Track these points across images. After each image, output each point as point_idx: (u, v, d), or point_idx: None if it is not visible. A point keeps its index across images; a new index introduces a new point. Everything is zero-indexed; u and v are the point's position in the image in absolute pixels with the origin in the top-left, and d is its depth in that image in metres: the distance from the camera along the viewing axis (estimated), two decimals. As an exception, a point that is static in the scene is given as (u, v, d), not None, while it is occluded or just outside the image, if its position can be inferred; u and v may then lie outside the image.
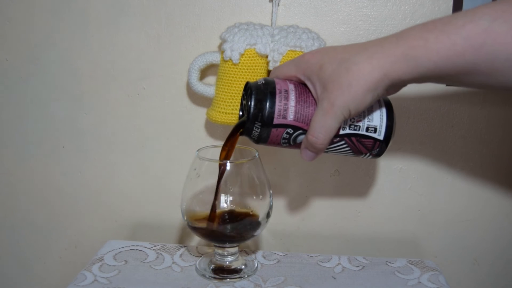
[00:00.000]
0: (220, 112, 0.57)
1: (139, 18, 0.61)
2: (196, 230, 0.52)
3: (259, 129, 0.44)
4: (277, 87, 0.44)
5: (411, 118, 0.62)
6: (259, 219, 0.52)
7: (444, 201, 0.65)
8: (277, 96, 0.43)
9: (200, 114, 0.64)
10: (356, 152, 0.47)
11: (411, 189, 0.65)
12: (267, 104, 0.43)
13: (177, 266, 0.56)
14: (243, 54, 0.54)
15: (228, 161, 0.50)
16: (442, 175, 0.64)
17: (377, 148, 0.46)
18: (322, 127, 0.41)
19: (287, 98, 0.43)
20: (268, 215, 0.53)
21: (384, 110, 0.45)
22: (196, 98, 0.63)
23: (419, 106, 0.62)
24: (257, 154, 0.52)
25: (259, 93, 0.43)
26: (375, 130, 0.45)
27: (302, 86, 0.44)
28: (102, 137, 0.66)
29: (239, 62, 0.54)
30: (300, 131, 0.44)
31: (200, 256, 0.58)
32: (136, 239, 0.68)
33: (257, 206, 0.52)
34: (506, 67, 0.35)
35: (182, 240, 0.69)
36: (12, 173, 0.69)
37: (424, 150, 0.63)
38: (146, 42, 0.62)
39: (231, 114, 0.56)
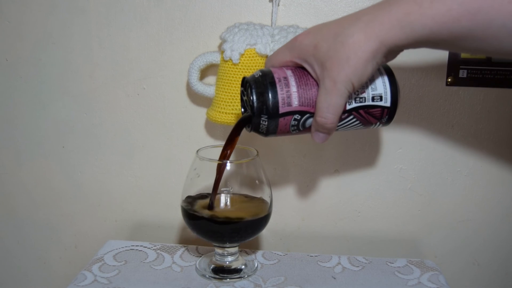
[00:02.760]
0: (220, 112, 0.57)
1: (139, 18, 0.61)
2: (195, 220, 0.52)
3: (266, 122, 0.43)
4: (275, 76, 0.43)
5: (411, 118, 0.62)
6: (259, 219, 0.52)
7: (444, 201, 0.65)
8: (277, 85, 0.43)
9: (200, 114, 0.64)
10: (366, 123, 0.46)
11: (411, 189, 0.65)
12: (269, 95, 0.42)
13: (177, 266, 0.56)
14: (243, 54, 0.54)
15: (228, 161, 0.50)
16: (442, 175, 0.64)
17: (386, 115, 0.46)
18: (329, 106, 0.41)
19: (288, 85, 0.43)
20: (268, 215, 0.53)
21: (385, 77, 0.45)
22: (196, 98, 0.63)
23: (419, 106, 0.62)
24: (257, 154, 0.52)
25: (259, 86, 0.43)
26: (381, 98, 0.44)
27: (299, 70, 0.44)
28: (102, 137, 0.66)
29: (239, 62, 0.54)
30: (308, 114, 0.43)
31: (200, 256, 0.58)
32: (136, 239, 0.68)
33: (257, 206, 0.52)
34: (502, 33, 0.34)
35: (182, 240, 0.69)
36: (12, 173, 0.69)
37: (424, 150, 0.63)
38: (146, 42, 0.62)
39: (231, 114, 0.56)
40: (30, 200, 0.70)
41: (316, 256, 0.58)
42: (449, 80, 0.60)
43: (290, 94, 0.42)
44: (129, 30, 0.62)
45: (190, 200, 0.52)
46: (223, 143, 0.50)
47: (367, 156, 0.64)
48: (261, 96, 0.43)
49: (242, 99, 0.48)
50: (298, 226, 0.67)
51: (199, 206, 0.51)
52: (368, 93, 0.44)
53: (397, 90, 0.45)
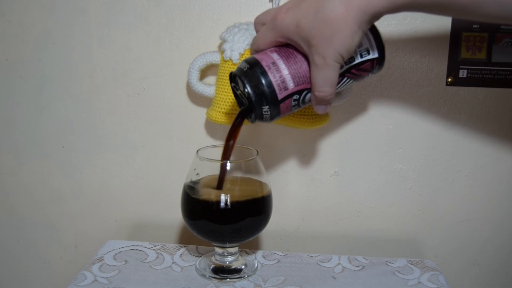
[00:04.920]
0: (220, 112, 0.57)
1: (139, 18, 0.61)
2: (195, 220, 0.52)
3: (268, 111, 0.43)
4: (264, 64, 0.43)
5: (411, 118, 0.62)
6: (259, 218, 0.52)
7: (444, 201, 0.65)
8: (269, 74, 0.42)
9: (200, 114, 0.64)
10: (359, 78, 0.46)
11: (411, 189, 0.65)
12: (265, 86, 0.42)
13: (177, 266, 0.56)
14: (243, 54, 0.54)
15: (228, 161, 0.50)
16: (442, 175, 0.64)
17: (376, 65, 0.46)
18: (324, 80, 0.41)
19: (278, 70, 0.42)
20: (268, 215, 0.53)
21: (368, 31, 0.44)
22: (196, 98, 0.63)
23: (419, 106, 0.62)
24: (257, 154, 0.52)
25: (251, 79, 0.43)
26: (368, 52, 0.44)
27: (284, 49, 0.44)
28: (102, 137, 0.66)
29: (239, 62, 0.54)
30: (305, 91, 0.43)
31: (200, 256, 0.58)
32: (136, 239, 0.68)
33: (257, 206, 0.52)
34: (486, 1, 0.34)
35: (182, 240, 0.69)
36: (12, 173, 0.69)
37: (424, 150, 0.63)
38: (146, 42, 0.62)
39: (231, 114, 0.56)
40: (30, 200, 0.70)
41: (316, 256, 0.58)
42: (449, 80, 0.60)
43: (283, 78, 0.42)
44: (129, 30, 0.62)
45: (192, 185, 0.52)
46: (223, 143, 0.50)
47: (367, 156, 0.64)
48: (257, 89, 0.42)
49: (235, 94, 0.48)
50: (298, 226, 0.67)
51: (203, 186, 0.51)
52: (356, 53, 0.44)
53: (380, 36, 0.45)
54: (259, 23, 0.46)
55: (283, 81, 0.42)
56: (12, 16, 0.63)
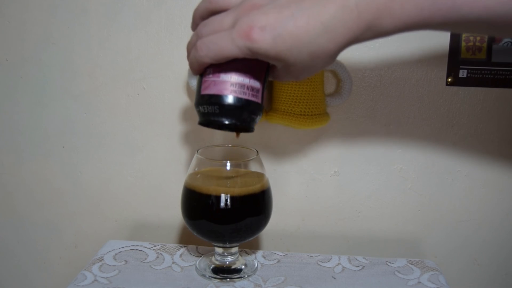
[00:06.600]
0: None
1: (139, 18, 0.61)
2: (195, 220, 0.52)
3: (259, 116, 0.42)
4: (250, 98, 0.40)
5: (411, 118, 0.62)
6: (259, 218, 0.52)
7: (444, 201, 0.65)
8: (240, 97, 0.40)
9: (200, 114, 0.64)
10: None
11: (411, 189, 0.65)
12: (251, 114, 0.40)
13: (177, 266, 0.56)
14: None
15: (228, 161, 0.50)
16: (442, 175, 0.64)
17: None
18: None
19: (242, 85, 0.40)
20: (268, 215, 0.53)
21: None
22: (196, 98, 0.63)
23: (419, 106, 0.62)
24: (257, 154, 0.52)
25: (235, 117, 0.40)
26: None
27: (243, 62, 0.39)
28: (102, 137, 0.66)
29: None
30: (265, 75, 0.41)
31: (200, 256, 0.58)
32: (136, 239, 0.68)
33: (257, 205, 0.52)
34: (475, 24, 0.33)
35: (182, 240, 0.69)
36: (12, 173, 0.69)
37: (424, 150, 0.63)
38: (146, 42, 0.62)
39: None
40: (30, 200, 0.70)
41: (316, 256, 0.58)
42: (449, 80, 0.60)
43: (250, 86, 0.40)
44: (129, 30, 0.62)
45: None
46: (223, 143, 0.50)
47: (367, 156, 0.64)
48: (242, 120, 0.41)
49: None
50: (298, 226, 0.67)
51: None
52: None
53: None
54: (203, 15, 0.41)
55: (252, 88, 0.40)
56: (12, 16, 0.63)
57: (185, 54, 0.61)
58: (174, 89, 0.63)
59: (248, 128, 0.42)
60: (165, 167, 0.66)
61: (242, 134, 0.48)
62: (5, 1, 0.62)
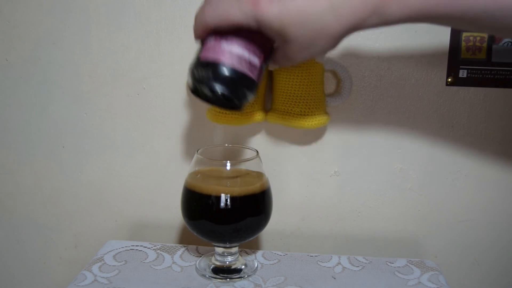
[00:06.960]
0: (220, 112, 0.57)
1: (139, 18, 0.61)
2: (195, 220, 0.52)
3: (253, 93, 0.41)
4: (246, 71, 0.39)
5: (411, 118, 0.62)
6: (259, 218, 0.52)
7: (444, 201, 0.65)
8: (237, 69, 0.39)
9: (200, 114, 0.64)
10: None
11: (411, 189, 0.65)
12: (248, 89, 0.40)
13: (177, 266, 0.56)
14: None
15: (228, 161, 0.50)
16: (442, 175, 0.64)
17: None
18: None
19: (252, 64, 0.40)
20: (268, 215, 0.53)
21: None
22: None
23: (419, 106, 0.62)
24: (257, 154, 0.52)
25: (237, 95, 0.40)
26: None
27: (239, 33, 0.39)
28: (102, 137, 0.66)
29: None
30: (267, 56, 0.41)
31: (200, 256, 0.58)
32: (136, 239, 0.68)
33: (257, 205, 0.52)
34: (482, 17, 0.34)
35: (182, 240, 0.69)
36: (13, 173, 0.69)
37: (424, 150, 0.63)
38: (146, 42, 0.62)
39: (231, 114, 0.56)
40: (30, 200, 0.70)
41: (316, 256, 0.58)
42: (449, 80, 0.60)
43: (249, 59, 0.40)
44: (129, 30, 0.62)
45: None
46: (223, 143, 0.50)
47: (367, 156, 0.64)
48: (243, 96, 0.40)
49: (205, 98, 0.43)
50: (298, 226, 0.67)
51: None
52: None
53: None
54: None
55: (251, 64, 0.40)
56: (12, 16, 0.63)
57: (185, 54, 0.62)
58: (174, 89, 0.63)
59: (238, 105, 0.41)
60: (165, 167, 0.66)
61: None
62: (5, 1, 0.62)
